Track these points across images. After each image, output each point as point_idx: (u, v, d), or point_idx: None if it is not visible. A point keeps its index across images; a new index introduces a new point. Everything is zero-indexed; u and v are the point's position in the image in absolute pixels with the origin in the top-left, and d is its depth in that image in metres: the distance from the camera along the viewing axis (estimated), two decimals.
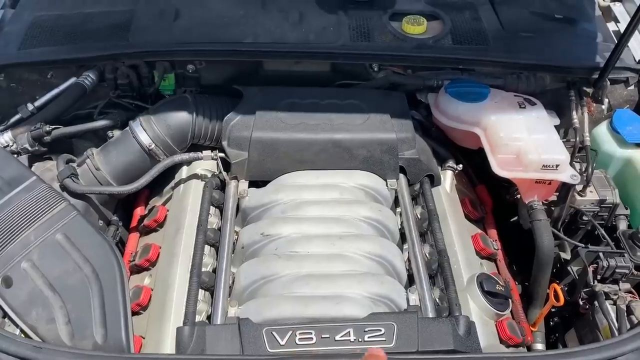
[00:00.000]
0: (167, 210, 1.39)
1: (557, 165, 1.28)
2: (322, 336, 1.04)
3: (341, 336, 1.04)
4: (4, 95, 1.47)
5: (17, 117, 1.41)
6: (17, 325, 1.06)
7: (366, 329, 1.05)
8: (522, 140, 1.31)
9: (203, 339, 1.04)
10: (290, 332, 1.04)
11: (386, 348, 1.02)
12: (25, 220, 1.15)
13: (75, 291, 1.08)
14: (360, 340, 1.04)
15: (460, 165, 1.46)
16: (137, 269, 1.29)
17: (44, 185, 1.20)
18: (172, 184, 1.44)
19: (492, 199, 1.54)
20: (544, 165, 1.28)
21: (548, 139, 1.32)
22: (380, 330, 1.05)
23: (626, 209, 1.41)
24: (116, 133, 1.40)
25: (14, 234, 1.13)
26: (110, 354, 1.00)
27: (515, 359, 1.07)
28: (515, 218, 1.54)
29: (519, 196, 1.42)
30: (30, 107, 1.42)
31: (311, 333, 1.04)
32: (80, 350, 1.00)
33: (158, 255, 1.29)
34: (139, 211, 1.46)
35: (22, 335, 1.05)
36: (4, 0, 1.65)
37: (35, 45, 1.49)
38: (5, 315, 1.09)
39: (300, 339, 1.03)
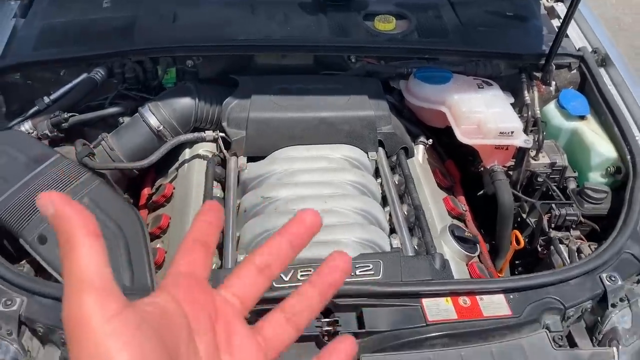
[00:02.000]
0: (174, 187, 1.55)
1: (512, 132, 1.50)
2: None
3: None
4: (21, 91, 1.63)
5: (35, 109, 1.56)
6: (51, 276, 1.22)
7: (357, 266, 1.22)
8: (481, 113, 1.53)
9: (216, 279, 1.20)
10: (293, 270, 1.21)
11: (374, 280, 1.21)
12: (54, 189, 1.30)
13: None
14: (352, 274, 1.21)
15: (430, 140, 1.67)
16: (149, 237, 1.45)
17: (67, 160, 1.36)
18: (176, 164, 1.61)
19: (460, 172, 1.76)
20: (500, 133, 1.50)
21: (503, 112, 1.54)
22: (369, 266, 1.23)
23: (574, 172, 1.63)
24: (126, 119, 1.57)
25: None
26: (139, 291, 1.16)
27: (484, 281, 1.26)
28: (482, 192, 1.74)
29: (482, 169, 1.63)
30: (46, 100, 1.57)
31: (310, 271, 1.21)
32: None
33: (169, 223, 1.45)
34: (146, 191, 1.62)
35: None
36: (15, 11, 1.82)
37: (47, 47, 1.65)
38: (39, 268, 1.24)
39: (301, 275, 1.20)
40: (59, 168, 1.34)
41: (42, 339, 1.13)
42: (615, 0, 4.80)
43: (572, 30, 1.86)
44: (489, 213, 1.64)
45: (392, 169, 1.59)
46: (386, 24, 1.76)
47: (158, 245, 1.42)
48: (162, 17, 1.73)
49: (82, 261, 0.33)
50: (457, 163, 1.77)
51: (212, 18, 1.73)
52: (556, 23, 1.95)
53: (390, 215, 1.44)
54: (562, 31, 1.63)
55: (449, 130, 1.63)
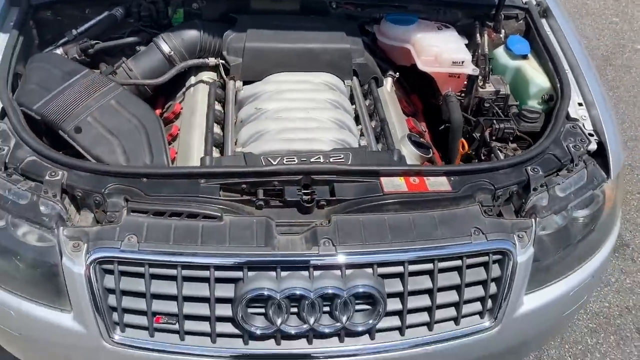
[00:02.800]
0: (182, 107, 1.86)
1: (462, 62, 1.82)
2: (302, 159, 1.52)
3: (314, 159, 1.52)
4: (52, 26, 1.91)
5: (65, 39, 1.85)
6: (84, 157, 1.51)
7: (331, 156, 1.53)
8: (438, 47, 1.85)
9: (220, 162, 1.51)
10: (279, 157, 1.51)
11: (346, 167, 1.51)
12: (86, 94, 1.60)
13: (128, 134, 1.54)
14: (327, 161, 1.52)
15: (398, 74, 1.99)
16: None
17: (95, 72, 1.66)
18: (183, 89, 1.91)
19: (422, 105, 2.08)
20: (453, 62, 1.82)
21: (456, 46, 1.86)
22: (340, 156, 1.54)
23: (516, 101, 1.95)
24: (142, 48, 1.87)
25: (79, 102, 1.59)
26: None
27: (430, 166, 1.58)
28: (443, 127, 2.06)
29: (440, 99, 1.95)
30: (74, 32, 1.87)
31: (294, 158, 1.52)
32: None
33: (178, 132, 1.76)
34: (157, 112, 1.92)
35: None
36: None
37: None
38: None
39: (287, 161, 1.51)
40: (89, 79, 1.64)
41: (80, 202, 1.43)
42: None
43: None
44: (446, 142, 1.96)
45: (365, 96, 1.90)
46: None
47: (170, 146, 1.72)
48: None
49: None
50: (421, 97, 2.09)
51: None
52: None
53: (360, 129, 1.76)
54: None
55: (414, 69, 1.94)
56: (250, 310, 1.34)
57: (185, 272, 1.30)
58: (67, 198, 1.42)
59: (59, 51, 1.81)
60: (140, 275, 1.30)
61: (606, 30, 4.75)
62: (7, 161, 1.42)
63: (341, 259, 1.32)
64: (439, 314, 1.43)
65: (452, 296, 1.43)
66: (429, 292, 1.39)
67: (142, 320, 1.35)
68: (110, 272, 1.31)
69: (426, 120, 2.05)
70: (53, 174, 1.40)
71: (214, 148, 1.62)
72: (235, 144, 1.65)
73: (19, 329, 1.47)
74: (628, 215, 2.94)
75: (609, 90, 3.92)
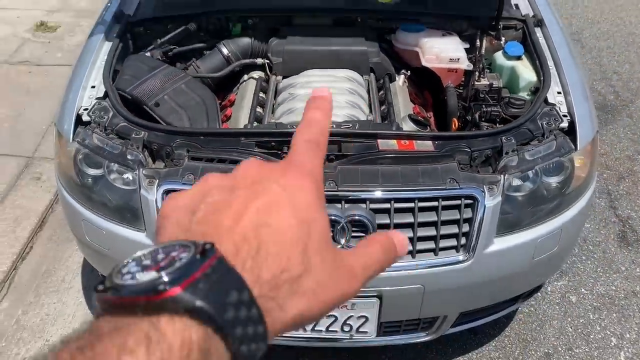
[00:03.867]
0: (235, 96, 2.38)
1: (458, 59, 2.23)
2: None
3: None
4: (143, 37, 2.51)
5: (151, 46, 2.45)
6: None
7: (342, 124, 1.98)
8: (439, 47, 2.27)
9: (256, 128, 2.01)
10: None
11: (351, 130, 1.96)
12: (164, 80, 2.16)
13: (192, 107, 2.07)
14: (339, 127, 1.96)
15: (409, 72, 2.42)
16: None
17: (172, 67, 2.23)
18: (237, 85, 2.44)
19: (432, 99, 2.49)
20: (450, 59, 2.23)
21: (454, 47, 2.28)
22: (350, 125, 1.98)
23: (510, 94, 2.32)
24: (207, 52, 2.43)
25: (159, 86, 2.14)
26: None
27: (419, 133, 1.98)
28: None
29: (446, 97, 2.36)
30: (159, 41, 2.46)
31: None
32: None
33: (231, 113, 2.28)
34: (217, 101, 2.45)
35: None
36: None
37: (159, 12, 2.56)
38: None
39: None
40: (167, 70, 2.20)
41: (155, 154, 1.95)
42: None
43: (522, 1, 2.58)
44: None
45: (379, 88, 2.35)
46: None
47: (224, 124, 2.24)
48: None
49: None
50: (432, 94, 2.51)
51: None
52: None
53: (370, 109, 2.20)
54: (501, 3, 2.36)
55: (425, 69, 2.37)
56: None
57: None
58: (146, 151, 1.95)
59: (147, 54, 2.40)
60: None
61: None
62: (106, 125, 1.97)
63: (340, 194, 1.75)
64: (421, 245, 1.81)
65: (432, 231, 1.81)
66: (412, 226, 1.79)
67: None
68: None
69: (435, 111, 2.46)
70: (137, 133, 1.94)
71: (255, 122, 2.12)
72: (273, 117, 2.14)
73: (108, 245, 1.99)
74: None
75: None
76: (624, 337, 2.49)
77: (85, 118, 1.99)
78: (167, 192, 1.80)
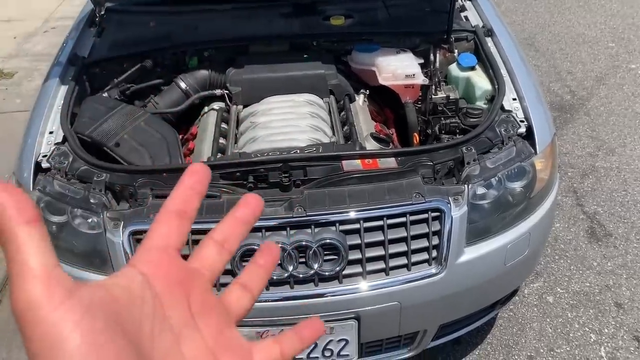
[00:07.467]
0: (197, 127, 2.38)
1: (413, 75, 2.27)
2: (282, 153, 1.98)
3: (292, 152, 1.98)
4: (99, 78, 2.50)
5: (108, 86, 2.43)
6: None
7: (305, 149, 1.99)
8: (394, 65, 2.31)
9: (220, 159, 2.00)
10: (266, 153, 1.98)
11: (315, 154, 1.96)
12: (123, 120, 2.14)
13: (153, 145, 2.05)
14: (303, 152, 1.97)
15: (368, 91, 2.45)
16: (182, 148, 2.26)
17: (130, 106, 2.21)
18: (199, 117, 2.44)
19: (393, 115, 2.52)
20: (406, 75, 2.27)
21: (409, 64, 2.32)
22: (312, 148, 1.99)
23: (467, 104, 2.37)
24: (165, 88, 2.42)
25: (118, 126, 2.12)
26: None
27: (382, 150, 2.00)
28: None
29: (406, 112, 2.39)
30: (115, 80, 2.44)
31: (276, 152, 1.98)
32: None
33: (194, 146, 2.26)
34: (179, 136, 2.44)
35: None
36: (94, 34, 2.73)
37: (114, 51, 2.54)
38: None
39: (270, 154, 1.97)
40: (125, 110, 2.18)
41: (119, 195, 1.93)
42: None
43: (471, 13, 2.65)
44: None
45: (340, 109, 2.37)
46: (337, 21, 2.58)
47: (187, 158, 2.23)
48: (186, 27, 2.61)
49: (22, 251, 0.32)
50: (392, 110, 2.54)
51: (220, 24, 2.60)
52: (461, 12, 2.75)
53: (333, 131, 2.22)
54: (450, 17, 2.42)
55: (383, 87, 2.41)
56: (243, 263, 1.77)
57: (193, 237, 1.76)
58: (109, 193, 1.92)
59: (105, 95, 2.38)
60: None
61: (602, 54, 5.08)
62: (67, 170, 1.94)
63: (310, 219, 1.75)
64: (393, 262, 1.82)
65: (403, 247, 1.82)
66: (383, 244, 1.79)
67: None
68: (141, 241, 1.78)
69: (396, 127, 2.49)
70: (99, 176, 1.91)
71: (218, 154, 2.11)
72: (236, 147, 2.14)
73: None
74: (612, 209, 3.21)
75: (600, 106, 4.24)
76: (603, 332, 2.53)
77: (44, 165, 1.96)
78: (132, 233, 1.78)
